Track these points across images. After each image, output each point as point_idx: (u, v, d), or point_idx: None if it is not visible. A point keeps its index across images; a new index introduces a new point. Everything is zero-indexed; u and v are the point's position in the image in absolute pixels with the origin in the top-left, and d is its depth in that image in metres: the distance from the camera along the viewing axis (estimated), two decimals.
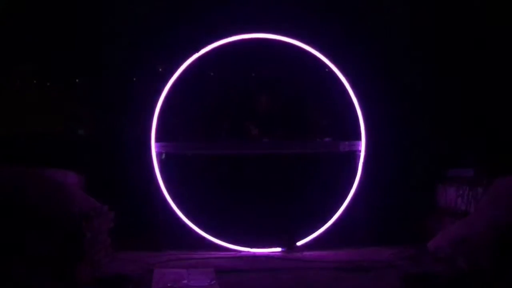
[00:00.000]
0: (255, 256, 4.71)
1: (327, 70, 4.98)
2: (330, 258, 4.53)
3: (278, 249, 4.84)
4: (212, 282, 3.78)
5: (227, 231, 4.85)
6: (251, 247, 4.82)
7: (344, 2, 5.21)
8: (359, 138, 4.95)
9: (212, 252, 4.71)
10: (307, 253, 4.73)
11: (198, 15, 5.10)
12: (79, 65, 5.33)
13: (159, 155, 4.89)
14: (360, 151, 4.95)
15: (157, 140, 4.91)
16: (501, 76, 5.06)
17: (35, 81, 5.56)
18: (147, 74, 5.27)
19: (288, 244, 4.86)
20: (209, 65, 5.11)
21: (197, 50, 4.88)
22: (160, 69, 5.29)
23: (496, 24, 4.99)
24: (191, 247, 4.76)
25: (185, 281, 3.80)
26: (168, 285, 3.72)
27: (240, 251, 4.80)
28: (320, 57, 4.93)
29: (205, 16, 5.08)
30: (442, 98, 5.19)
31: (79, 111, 5.47)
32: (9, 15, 5.21)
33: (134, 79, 5.40)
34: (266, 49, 4.96)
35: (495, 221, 3.69)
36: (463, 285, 3.51)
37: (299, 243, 4.87)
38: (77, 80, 5.51)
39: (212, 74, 5.34)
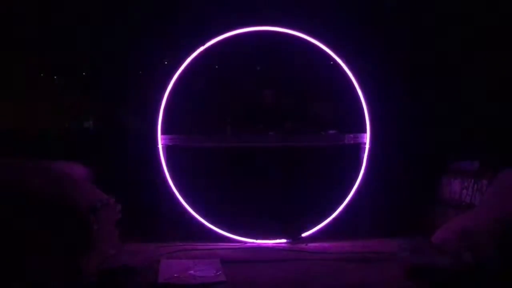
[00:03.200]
0: (260, 247, 4.75)
1: (332, 62, 4.97)
2: (335, 249, 4.55)
3: (283, 241, 4.87)
4: (218, 273, 3.81)
5: (233, 223, 4.88)
6: (256, 238, 4.86)
7: None
8: (364, 131, 4.95)
9: (218, 243, 4.75)
10: (311, 245, 4.75)
11: (204, 7, 5.09)
12: (86, 58, 5.34)
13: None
14: (365, 143, 4.95)
15: (163, 132, 4.94)
16: (507, 66, 5.03)
17: (42, 74, 5.58)
18: (153, 67, 5.28)
19: (293, 235, 4.89)
20: (215, 58, 5.11)
21: (203, 43, 4.88)
22: (166, 62, 5.30)
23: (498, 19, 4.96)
24: (197, 238, 4.80)
25: (191, 272, 3.83)
26: (175, 275, 3.75)
27: (245, 242, 4.84)
28: (325, 49, 4.91)
29: (211, 8, 5.07)
30: (447, 90, 5.17)
31: (86, 103, 5.49)
32: (15, 9, 5.22)
33: (140, 72, 5.41)
34: (272, 42, 4.93)
35: (500, 214, 3.67)
36: (468, 278, 3.50)
37: (303, 235, 4.90)
38: (83, 73, 5.53)
39: (217, 67, 5.33)
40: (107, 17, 5.20)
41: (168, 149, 4.94)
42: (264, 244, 4.82)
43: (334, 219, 4.89)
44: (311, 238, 4.88)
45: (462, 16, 5.07)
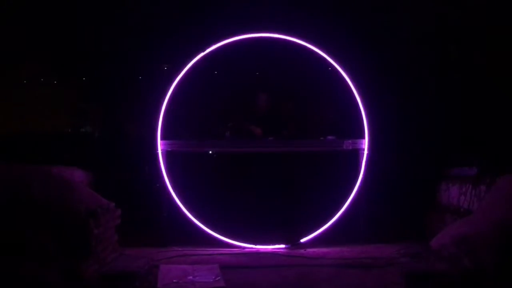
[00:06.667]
0: (259, 253, 4.75)
1: (330, 68, 5.00)
2: (333, 255, 4.56)
3: (282, 246, 4.88)
4: (217, 278, 3.80)
5: (232, 228, 4.89)
6: (255, 243, 4.87)
7: (349, 2, 5.22)
8: (363, 136, 4.97)
9: (217, 249, 4.75)
10: (310, 250, 4.76)
11: (204, 14, 5.13)
12: (86, 64, 5.37)
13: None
14: (363, 149, 4.96)
15: (162, 138, 4.95)
16: (504, 73, 5.06)
17: (42, 80, 5.60)
18: (152, 72, 5.31)
19: (292, 240, 4.89)
20: (214, 64, 5.14)
21: (203, 49, 4.91)
22: (166, 68, 5.32)
23: (497, 23, 4.99)
24: (196, 243, 4.82)
25: (190, 277, 3.82)
26: (174, 281, 3.75)
27: (244, 248, 4.85)
28: (323, 56, 4.94)
29: (211, 15, 5.11)
30: (446, 96, 5.20)
31: (86, 109, 5.51)
32: (15, 15, 5.24)
33: (140, 77, 5.43)
34: (271, 48, 4.98)
35: (499, 220, 3.67)
36: (467, 284, 3.51)
37: (302, 240, 4.91)
38: (83, 79, 5.55)
39: (216, 73, 5.35)
40: (108, 23, 5.22)
41: (167, 154, 4.96)
42: (263, 250, 4.83)
43: (332, 224, 4.90)
44: (310, 243, 4.89)
45: (461, 27, 5.11)
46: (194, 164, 5.08)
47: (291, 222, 4.99)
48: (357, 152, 4.99)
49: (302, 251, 4.76)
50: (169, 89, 4.92)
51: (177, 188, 4.91)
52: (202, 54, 4.92)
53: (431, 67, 5.22)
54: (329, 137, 5.09)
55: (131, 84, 5.38)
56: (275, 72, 5.28)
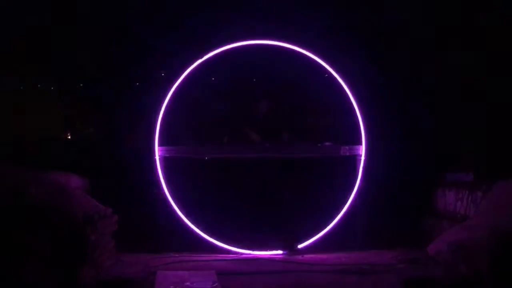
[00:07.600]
0: (256, 259, 4.74)
1: (326, 75, 5.02)
2: (331, 261, 4.56)
3: (279, 252, 4.87)
4: (214, 285, 3.79)
5: (229, 234, 4.88)
6: (253, 249, 4.86)
7: (345, 8, 5.25)
8: (360, 143, 4.98)
9: (214, 255, 4.75)
10: (308, 256, 4.75)
11: (201, 21, 5.15)
12: (83, 70, 5.38)
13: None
14: (360, 155, 4.98)
15: (160, 144, 4.95)
16: (501, 79, 5.10)
17: (39, 85, 5.61)
18: (150, 79, 5.32)
19: (289, 246, 4.89)
20: (212, 70, 5.16)
21: (200, 56, 4.93)
22: (163, 74, 5.34)
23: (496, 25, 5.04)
24: (194, 249, 4.80)
25: (188, 283, 3.81)
26: (171, 287, 3.74)
27: (241, 254, 4.84)
28: (320, 62, 4.96)
29: (208, 22, 5.13)
30: (442, 102, 5.23)
31: (83, 114, 5.51)
32: (11, 19, 5.25)
33: (137, 83, 5.45)
34: (268, 55, 4.99)
35: (495, 226, 3.68)
36: None
37: (300, 246, 4.91)
38: (81, 84, 5.56)
39: (214, 79, 5.37)
40: (105, 29, 5.24)
41: (165, 160, 4.96)
42: (261, 256, 4.82)
43: (330, 230, 4.90)
44: (308, 249, 4.89)
45: (461, 39, 5.15)
46: (191, 170, 5.08)
47: (288, 228, 4.99)
48: (354, 158, 5.01)
49: (299, 257, 4.75)
50: (166, 95, 4.93)
51: (174, 194, 4.91)
52: (199, 61, 4.93)
53: (428, 73, 5.24)
54: (326, 143, 5.10)
55: (129, 90, 5.39)
56: (273, 79, 5.30)
